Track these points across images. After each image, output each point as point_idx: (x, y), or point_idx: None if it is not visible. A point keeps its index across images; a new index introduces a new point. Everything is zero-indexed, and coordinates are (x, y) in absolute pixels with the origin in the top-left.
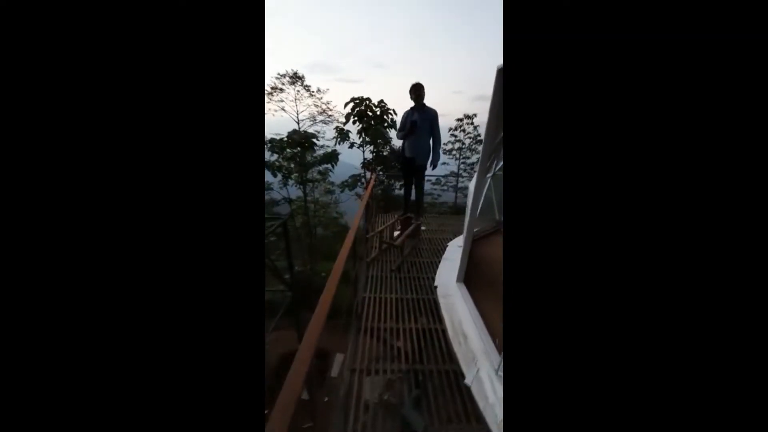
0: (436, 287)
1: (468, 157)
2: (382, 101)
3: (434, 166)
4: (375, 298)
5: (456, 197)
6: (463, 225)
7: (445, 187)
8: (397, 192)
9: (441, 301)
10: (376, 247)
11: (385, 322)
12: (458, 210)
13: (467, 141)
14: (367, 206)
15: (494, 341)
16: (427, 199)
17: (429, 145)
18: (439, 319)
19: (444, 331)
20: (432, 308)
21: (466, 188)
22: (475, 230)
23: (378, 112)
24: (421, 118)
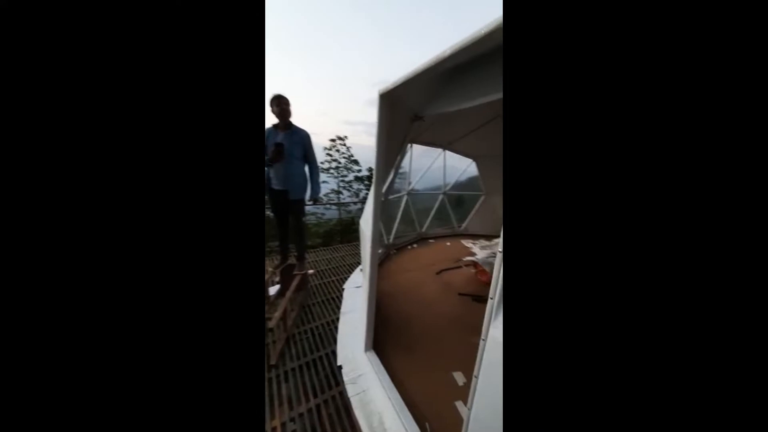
0: (340, 368)
1: (345, 176)
2: None
3: (314, 200)
4: None
5: (340, 213)
6: (357, 254)
7: (329, 206)
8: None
9: (349, 390)
10: None
11: None
12: (344, 228)
13: (342, 160)
14: None
15: (424, 429)
16: (312, 219)
17: (304, 173)
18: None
19: None
20: (342, 414)
21: (349, 205)
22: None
23: None
24: (290, 141)
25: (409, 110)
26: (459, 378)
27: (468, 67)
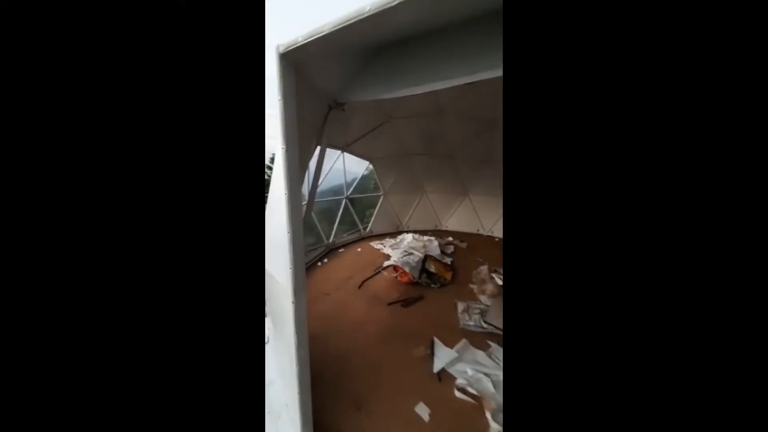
0: None
1: None
2: None
3: None
4: None
5: None
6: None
7: None
8: None
9: None
10: None
11: None
12: None
13: None
14: None
15: None
16: None
17: None
18: None
19: None
20: None
21: None
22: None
23: None
24: None
25: (326, 92)
26: (423, 412)
27: (412, 45)
